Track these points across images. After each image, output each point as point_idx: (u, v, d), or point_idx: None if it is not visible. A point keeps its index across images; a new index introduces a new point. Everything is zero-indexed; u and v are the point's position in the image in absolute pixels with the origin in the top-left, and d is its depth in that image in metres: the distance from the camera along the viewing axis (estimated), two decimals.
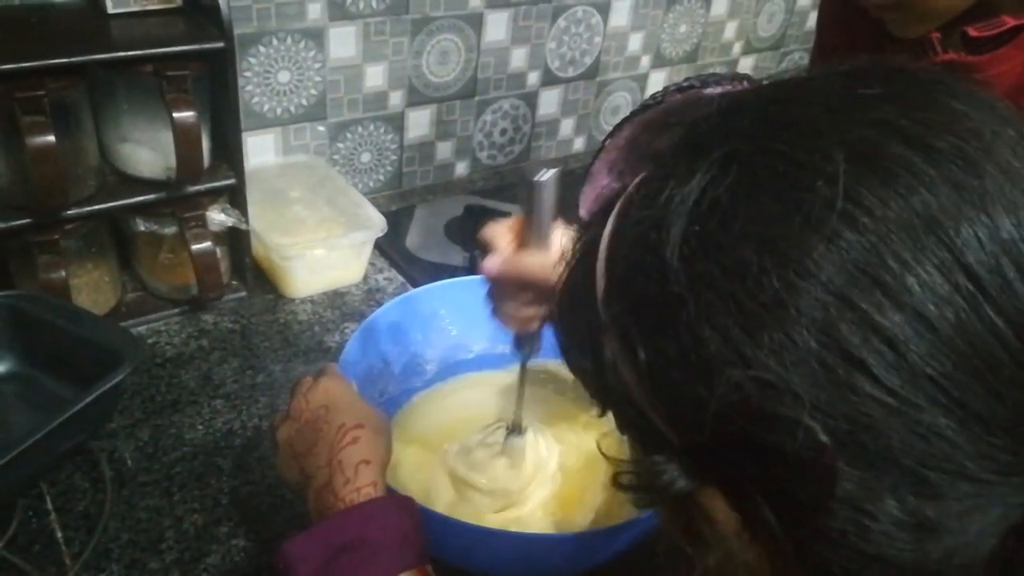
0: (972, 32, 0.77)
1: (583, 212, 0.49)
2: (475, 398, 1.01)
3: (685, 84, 0.46)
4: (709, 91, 0.45)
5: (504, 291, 0.77)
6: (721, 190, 0.36)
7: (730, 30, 1.76)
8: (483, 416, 0.98)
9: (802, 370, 0.34)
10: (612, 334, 0.40)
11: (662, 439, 0.39)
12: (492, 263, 0.75)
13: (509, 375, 1.04)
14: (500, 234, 0.76)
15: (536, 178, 0.70)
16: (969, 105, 0.37)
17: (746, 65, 1.84)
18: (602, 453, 0.48)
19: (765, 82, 0.43)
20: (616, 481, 0.42)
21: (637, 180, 0.42)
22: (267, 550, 0.83)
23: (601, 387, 0.43)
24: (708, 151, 0.37)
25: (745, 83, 0.45)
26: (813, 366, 0.33)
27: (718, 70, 1.79)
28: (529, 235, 0.73)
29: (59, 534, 0.83)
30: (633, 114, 0.47)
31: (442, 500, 0.88)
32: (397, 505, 0.63)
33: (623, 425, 0.44)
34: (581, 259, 0.44)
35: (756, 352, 0.34)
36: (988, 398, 0.33)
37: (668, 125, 0.45)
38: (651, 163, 0.42)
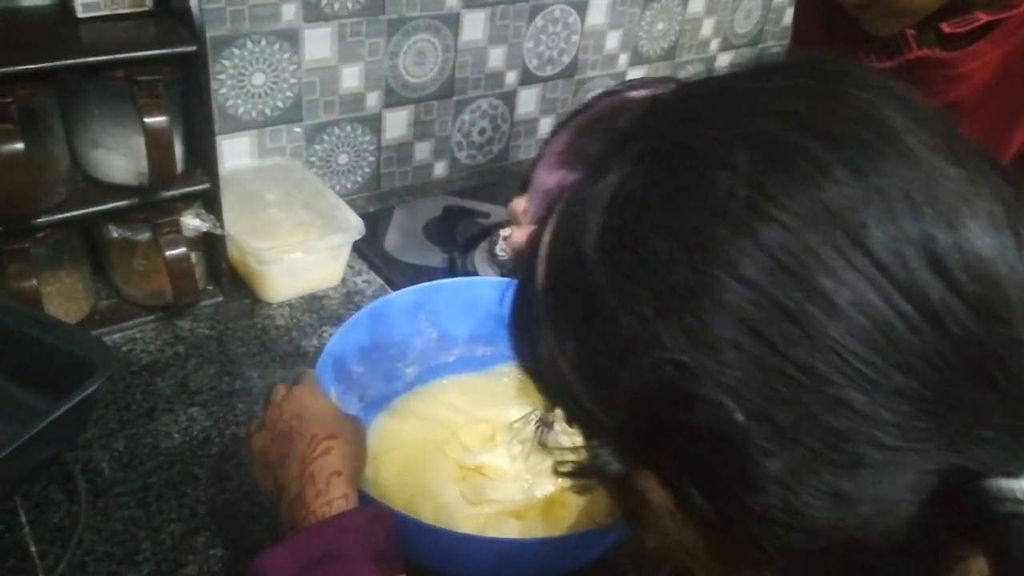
0: (946, 28, 0.78)
1: (530, 216, 0.50)
2: (456, 401, 1.01)
3: (613, 89, 0.48)
4: (635, 94, 0.47)
5: None
6: (635, 184, 0.38)
7: (707, 27, 1.76)
8: (464, 420, 0.97)
9: (715, 352, 0.35)
10: (547, 327, 0.42)
11: (597, 425, 0.41)
12: (520, 236, 0.73)
13: (490, 378, 1.03)
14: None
15: None
16: (873, 94, 0.38)
17: (724, 62, 1.85)
18: (542, 444, 0.49)
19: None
20: (556, 468, 0.44)
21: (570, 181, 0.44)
22: (245, 559, 0.82)
23: (544, 381, 0.45)
24: (626, 149, 0.40)
25: (672, 85, 0.47)
26: (725, 348, 0.35)
27: (696, 67, 1.80)
28: None
29: (33, 548, 0.81)
30: (566, 120, 0.49)
31: (428, 504, 0.87)
32: (370, 516, 0.63)
33: (568, 417, 0.45)
34: (527, 259, 0.45)
35: (671, 336, 0.36)
36: (892, 370, 0.34)
37: (597, 129, 0.47)
38: (583, 164, 0.43)
